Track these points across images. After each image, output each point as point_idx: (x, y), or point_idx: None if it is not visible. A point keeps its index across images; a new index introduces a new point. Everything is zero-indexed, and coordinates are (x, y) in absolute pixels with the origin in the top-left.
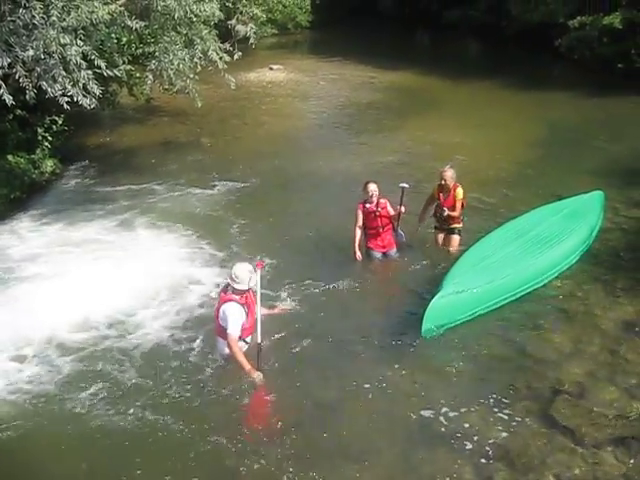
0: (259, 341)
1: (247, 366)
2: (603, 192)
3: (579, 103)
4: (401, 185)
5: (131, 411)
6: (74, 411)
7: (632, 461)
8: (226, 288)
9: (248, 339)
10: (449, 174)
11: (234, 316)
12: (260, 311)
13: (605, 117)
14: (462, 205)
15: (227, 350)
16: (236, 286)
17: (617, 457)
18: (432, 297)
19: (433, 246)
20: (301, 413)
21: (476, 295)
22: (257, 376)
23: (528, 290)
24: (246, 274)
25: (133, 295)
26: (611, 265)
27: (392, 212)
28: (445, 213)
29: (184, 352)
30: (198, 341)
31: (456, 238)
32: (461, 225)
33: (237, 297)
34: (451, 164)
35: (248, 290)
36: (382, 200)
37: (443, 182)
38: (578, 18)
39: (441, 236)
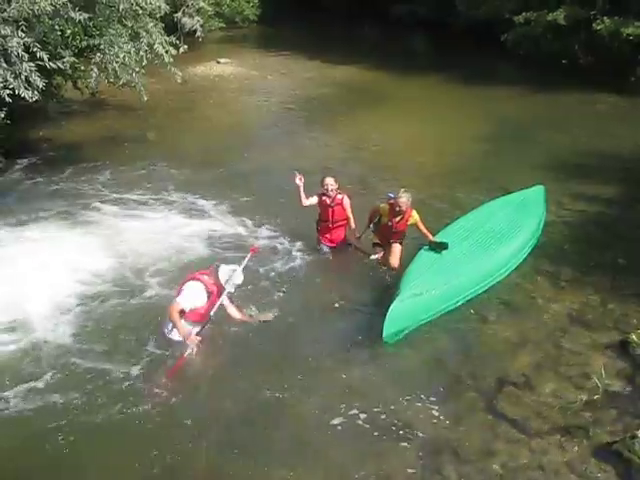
0: (211, 313)
1: (185, 331)
2: (544, 186)
3: (524, 98)
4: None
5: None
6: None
7: (576, 449)
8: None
9: (197, 327)
10: (404, 200)
11: (189, 290)
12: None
13: (549, 112)
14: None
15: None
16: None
17: (561, 446)
18: (391, 301)
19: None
20: (251, 411)
21: (434, 297)
22: (194, 339)
23: (485, 288)
24: (226, 274)
25: (73, 293)
26: (555, 258)
27: (348, 212)
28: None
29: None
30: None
31: (399, 248)
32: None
33: (207, 279)
34: (405, 189)
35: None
36: (339, 196)
37: (397, 209)
38: (523, 14)
39: (381, 254)
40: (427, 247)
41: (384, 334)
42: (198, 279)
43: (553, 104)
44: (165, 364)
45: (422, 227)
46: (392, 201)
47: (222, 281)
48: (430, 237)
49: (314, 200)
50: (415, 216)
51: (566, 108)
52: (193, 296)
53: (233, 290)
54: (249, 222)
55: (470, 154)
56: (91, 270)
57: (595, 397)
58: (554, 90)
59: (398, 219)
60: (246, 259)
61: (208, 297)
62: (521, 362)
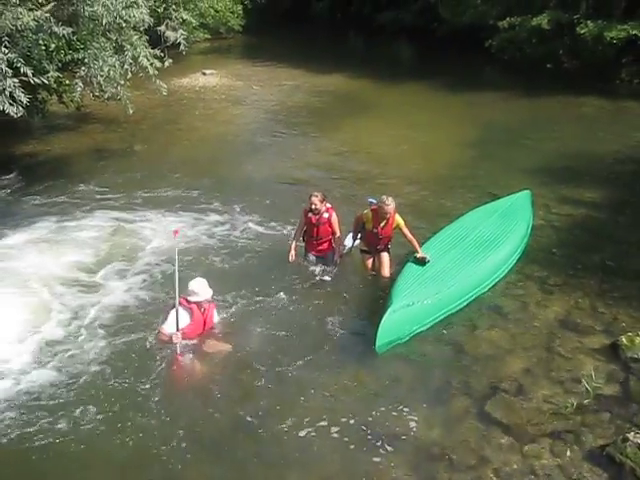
0: (177, 301)
1: (167, 339)
2: (530, 191)
3: (509, 103)
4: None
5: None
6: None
7: (568, 453)
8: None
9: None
10: (390, 207)
11: (170, 316)
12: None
13: (535, 117)
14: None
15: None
16: (191, 298)
17: (553, 451)
18: (382, 311)
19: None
20: (241, 420)
21: (426, 307)
22: (175, 336)
23: (476, 296)
24: (202, 289)
25: (56, 305)
26: (544, 262)
27: (336, 229)
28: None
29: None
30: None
31: (387, 256)
32: (390, 243)
33: (184, 302)
34: (387, 195)
35: (201, 302)
36: (325, 215)
37: (383, 215)
38: (507, 19)
39: (370, 261)
40: (412, 260)
41: (377, 345)
42: (181, 305)
43: (539, 108)
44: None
45: (406, 231)
46: (374, 207)
47: (189, 297)
48: (414, 242)
49: (302, 225)
50: (399, 220)
51: (552, 112)
52: (173, 320)
53: (196, 299)
54: (236, 232)
55: (457, 160)
56: (76, 283)
57: (586, 401)
58: (539, 94)
59: (383, 224)
60: (176, 260)
61: (190, 316)
62: (512, 368)
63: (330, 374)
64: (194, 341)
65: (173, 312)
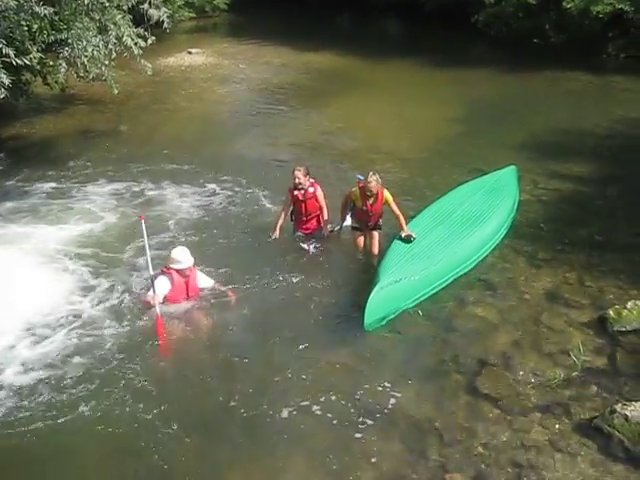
0: (150, 272)
1: (149, 302)
2: (516, 166)
3: (497, 79)
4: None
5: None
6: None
7: (557, 426)
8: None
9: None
10: (373, 184)
11: (156, 282)
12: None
13: (522, 92)
14: (396, 207)
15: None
16: (173, 266)
17: (542, 424)
18: (370, 288)
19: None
20: (231, 400)
21: (413, 283)
22: (152, 298)
23: (463, 272)
24: (180, 256)
25: (46, 292)
26: (532, 237)
27: (322, 203)
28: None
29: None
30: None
31: (377, 235)
32: (381, 221)
33: (165, 270)
34: (373, 170)
35: (183, 270)
36: (311, 189)
37: (369, 193)
38: None
39: (361, 238)
40: (398, 238)
41: (365, 322)
42: (162, 272)
43: (526, 84)
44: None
45: (395, 207)
46: (362, 184)
47: (172, 265)
48: (401, 219)
49: (289, 203)
50: (387, 195)
51: (538, 87)
52: (158, 286)
53: (178, 266)
54: (223, 210)
55: (444, 136)
56: (63, 266)
57: (574, 374)
58: (526, 70)
59: (372, 201)
60: (144, 231)
61: (171, 282)
62: (501, 342)
63: (318, 352)
64: (180, 309)
65: (159, 279)
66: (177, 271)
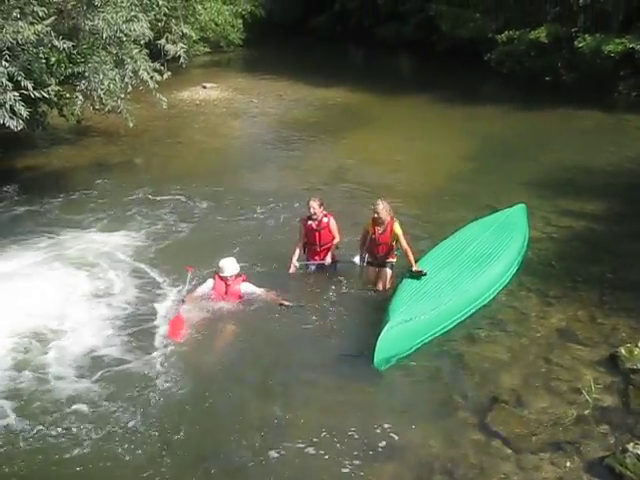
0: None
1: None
2: (525, 204)
3: (509, 116)
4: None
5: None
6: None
7: (568, 464)
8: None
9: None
10: (381, 207)
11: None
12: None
13: (534, 129)
14: (404, 242)
15: None
16: (220, 273)
17: (553, 462)
18: (380, 327)
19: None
20: (240, 434)
21: (424, 323)
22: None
23: (473, 311)
24: (226, 266)
25: (64, 315)
26: (543, 274)
27: (335, 234)
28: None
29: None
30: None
31: (388, 272)
32: (394, 260)
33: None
34: (382, 197)
35: (225, 277)
36: (325, 219)
37: (376, 215)
38: (506, 33)
39: (372, 272)
40: (408, 275)
41: (375, 361)
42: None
43: (537, 121)
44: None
45: (403, 241)
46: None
47: (218, 271)
48: (410, 254)
49: (302, 234)
50: (397, 229)
51: (550, 125)
52: (201, 287)
53: (221, 273)
54: (236, 246)
55: (456, 172)
56: (77, 293)
57: (586, 412)
58: (538, 107)
59: (381, 230)
60: (187, 278)
61: (213, 285)
62: (512, 379)
63: (328, 389)
64: (209, 311)
65: (205, 282)
66: (220, 277)
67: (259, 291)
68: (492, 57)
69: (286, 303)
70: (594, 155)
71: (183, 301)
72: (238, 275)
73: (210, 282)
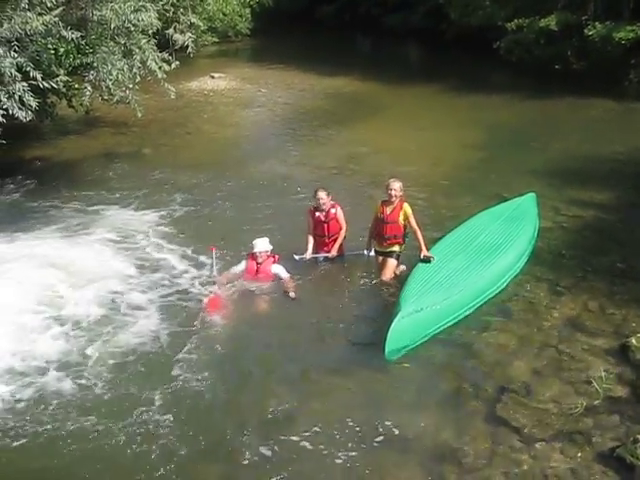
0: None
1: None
2: (535, 193)
3: (518, 105)
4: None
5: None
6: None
7: (579, 454)
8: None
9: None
10: (396, 185)
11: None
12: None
13: (543, 118)
14: (414, 222)
15: None
16: (253, 250)
17: (563, 452)
18: (391, 318)
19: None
20: (249, 425)
21: (435, 313)
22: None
23: (485, 300)
24: (258, 242)
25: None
26: (553, 264)
27: (342, 224)
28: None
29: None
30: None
31: (393, 263)
32: (401, 248)
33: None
34: (396, 177)
35: (256, 253)
36: (332, 210)
37: (391, 192)
38: (515, 21)
39: (378, 261)
40: (420, 262)
41: (386, 351)
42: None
43: (547, 110)
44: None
45: (413, 222)
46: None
47: (256, 249)
48: (420, 236)
49: (311, 225)
50: (407, 208)
51: (560, 113)
52: (234, 268)
53: (253, 249)
54: (245, 236)
55: (465, 161)
56: (90, 281)
57: (596, 402)
58: (548, 96)
59: (389, 210)
60: (213, 257)
61: (246, 263)
62: (522, 369)
63: (339, 378)
64: (238, 291)
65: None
66: (252, 256)
67: (286, 276)
68: (501, 45)
69: (292, 295)
70: (603, 144)
71: (214, 282)
72: (271, 255)
73: (243, 263)
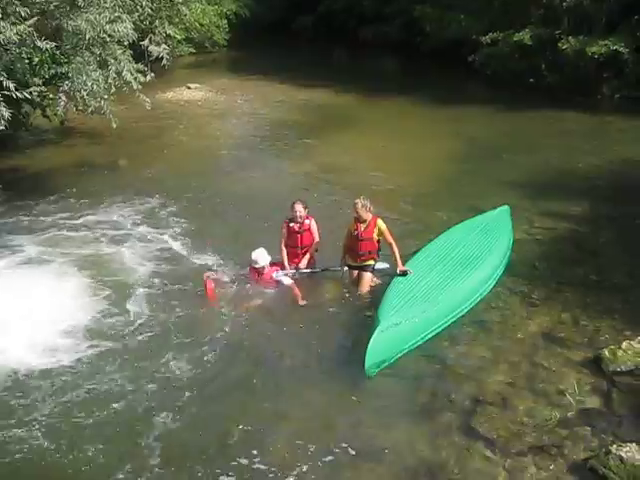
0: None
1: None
2: (509, 206)
3: (492, 117)
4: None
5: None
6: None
7: (552, 466)
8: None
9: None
10: (359, 205)
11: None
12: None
13: (517, 131)
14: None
15: None
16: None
17: (537, 464)
18: (370, 332)
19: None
20: (227, 437)
21: (413, 326)
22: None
23: (462, 313)
24: (258, 258)
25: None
26: (527, 276)
27: (315, 236)
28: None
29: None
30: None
31: (368, 276)
32: (375, 262)
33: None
34: (363, 196)
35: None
36: (307, 221)
37: (356, 215)
38: (490, 34)
39: (353, 275)
40: (396, 275)
41: (366, 366)
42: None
43: (521, 123)
44: None
45: (388, 237)
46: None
47: (254, 264)
48: (395, 250)
49: (284, 237)
50: (381, 224)
51: (534, 126)
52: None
53: (254, 265)
54: (219, 249)
55: (440, 174)
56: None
57: (569, 414)
58: (522, 109)
59: (363, 227)
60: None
61: (250, 271)
62: (496, 381)
63: (315, 391)
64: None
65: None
66: (254, 269)
67: (288, 283)
68: (476, 59)
69: (300, 302)
70: (577, 157)
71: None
72: (272, 264)
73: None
